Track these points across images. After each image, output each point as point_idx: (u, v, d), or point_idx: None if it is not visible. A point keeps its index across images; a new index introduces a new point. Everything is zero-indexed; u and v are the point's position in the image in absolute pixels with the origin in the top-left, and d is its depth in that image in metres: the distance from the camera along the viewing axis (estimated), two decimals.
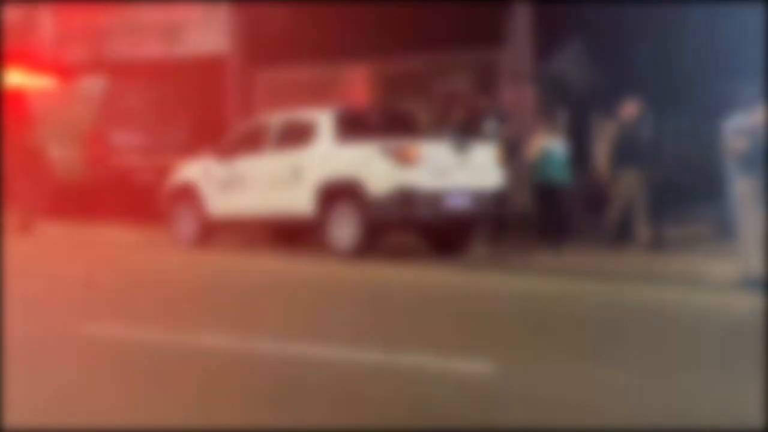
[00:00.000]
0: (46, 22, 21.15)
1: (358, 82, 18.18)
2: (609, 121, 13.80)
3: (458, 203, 12.93)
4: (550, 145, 14.06)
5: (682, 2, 14.71)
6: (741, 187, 10.33)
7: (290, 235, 14.82)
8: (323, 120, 13.56)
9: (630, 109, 13.72)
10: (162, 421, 5.32)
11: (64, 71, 18.99)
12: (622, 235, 13.60)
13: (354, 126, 13.63)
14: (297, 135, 13.77)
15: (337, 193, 13.07)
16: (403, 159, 12.58)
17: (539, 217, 14.29)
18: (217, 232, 14.82)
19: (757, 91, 12.01)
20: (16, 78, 18.99)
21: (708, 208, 13.20)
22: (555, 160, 14.01)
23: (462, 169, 12.97)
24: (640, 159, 13.51)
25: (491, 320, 8.70)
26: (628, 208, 13.60)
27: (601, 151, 13.73)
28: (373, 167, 12.73)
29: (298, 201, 13.43)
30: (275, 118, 14.42)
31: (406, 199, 12.56)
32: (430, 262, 12.84)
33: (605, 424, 5.33)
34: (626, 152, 13.46)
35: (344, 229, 12.96)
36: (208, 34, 19.21)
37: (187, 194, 14.71)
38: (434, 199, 12.72)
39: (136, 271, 12.05)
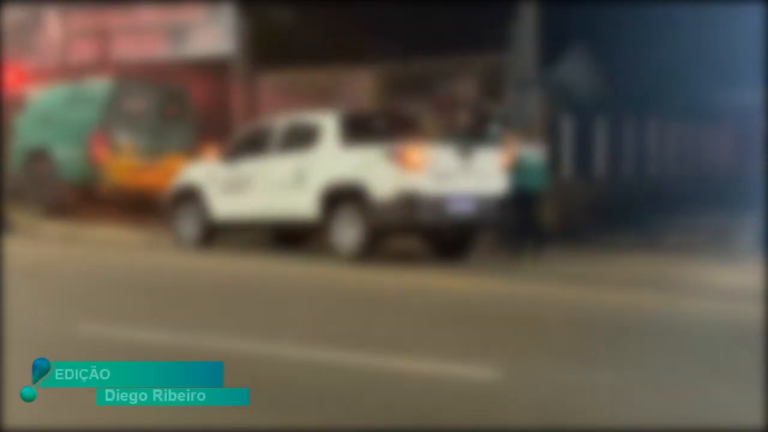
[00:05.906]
0: (53, 23, 21.19)
1: (363, 85, 18.18)
2: None
3: (462, 208, 12.92)
4: (522, 152, 13.85)
5: (689, 8, 14.70)
6: None
7: (293, 238, 14.83)
8: (328, 123, 13.56)
9: None
10: (162, 422, 5.32)
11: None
12: None
13: (358, 129, 13.62)
14: (301, 138, 13.77)
15: (341, 197, 13.07)
16: (407, 163, 12.58)
17: (514, 223, 14.00)
18: (220, 234, 14.82)
19: (758, 97, 12.05)
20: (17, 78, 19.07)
21: (704, 216, 13.16)
22: (527, 167, 13.79)
23: (466, 174, 12.96)
24: None
25: (493, 325, 8.70)
26: None
27: None
28: (377, 171, 12.72)
29: (301, 204, 13.44)
30: (280, 121, 14.43)
31: (409, 203, 12.56)
32: (432, 267, 12.83)
33: (605, 427, 5.34)
34: None
35: (347, 233, 12.97)
36: (214, 36, 19.24)
37: (191, 196, 14.72)
38: (438, 203, 12.71)
39: (138, 272, 12.06)
